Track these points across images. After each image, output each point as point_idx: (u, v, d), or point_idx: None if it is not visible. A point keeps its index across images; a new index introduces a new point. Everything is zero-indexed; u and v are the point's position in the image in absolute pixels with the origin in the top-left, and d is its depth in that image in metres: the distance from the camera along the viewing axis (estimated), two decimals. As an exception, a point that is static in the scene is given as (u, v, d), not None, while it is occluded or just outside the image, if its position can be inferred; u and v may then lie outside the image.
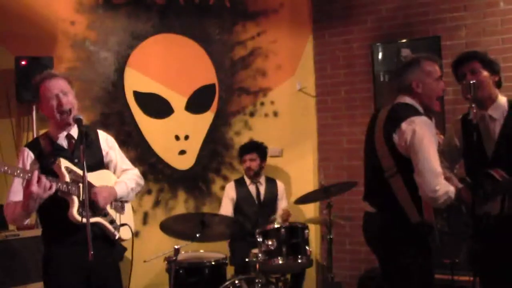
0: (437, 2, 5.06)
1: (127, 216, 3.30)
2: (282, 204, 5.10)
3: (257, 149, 5.08)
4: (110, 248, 3.16)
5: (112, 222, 3.14)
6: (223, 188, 5.35)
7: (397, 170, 3.04)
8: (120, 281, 3.26)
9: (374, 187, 3.27)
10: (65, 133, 3.10)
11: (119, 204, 3.24)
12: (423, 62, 3.20)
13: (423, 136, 2.97)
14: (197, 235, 3.76)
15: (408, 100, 3.17)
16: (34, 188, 2.74)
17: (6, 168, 2.75)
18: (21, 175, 2.80)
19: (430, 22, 5.09)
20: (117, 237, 3.14)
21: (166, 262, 3.93)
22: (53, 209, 2.92)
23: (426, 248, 3.11)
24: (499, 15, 4.82)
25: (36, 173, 2.78)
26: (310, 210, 5.51)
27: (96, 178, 3.09)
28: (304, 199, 4.62)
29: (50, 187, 2.81)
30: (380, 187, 3.14)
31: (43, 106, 3.08)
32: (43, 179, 2.78)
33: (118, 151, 3.37)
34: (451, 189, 2.97)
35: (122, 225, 3.17)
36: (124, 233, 3.21)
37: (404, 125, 3.02)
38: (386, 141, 3.09)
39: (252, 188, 5.04)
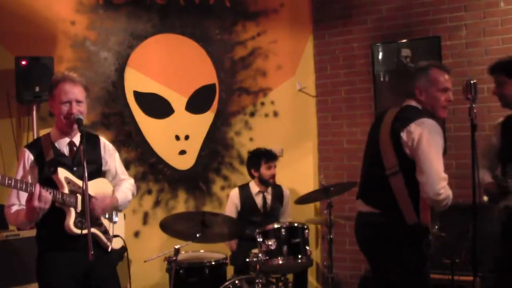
0: (437, 2, 5.06)
1: (120, 225, 3.29)
2: (287, 209, 5.06)
3: (276, 157, 4.99)
4: (105, 254, 3.13)
5: (105, 232, 3.13)
6: (223, 188, 5.35)
7: (399, 169, 3.04)
8: (118, 285, 3.25)
9: (371, 185, 3.26)
10: (67, 139, 3.08)
11: (113, 213, 3.22)
12: (431, 70, 3.21)
13: (431, 139, 2.99)
14: (198, 235, 3.76)
15: (414, 104, 3.19)
16: (36, 203, 2.76)
17: (9, 182, 2.77)
18: (24, 188, 2.80)
19: (430, 22, 5.09)
20: (110, 249, 3.13)
21: (166, 262, 3.94)
22: (50, 217, 2.90)
23: (421, 250, 3.11)
24: (499, 15, 4.83)
25: (37, 188, 2.78)
26: (310, 210, 5.51)
27: (93, 187, 3.06)
28: (305, 199, 4.62)
29: (51, 200, 2.83)
30: (379, 185, 3.14)
31: (53, 105, 3.06)
32: (43, 193, 2.78)
33: (117, 160, 3.35)
34: (451, 195, 3.01)
35: (115, 236, 3.16)
36: (116, 243, 3.19)
37: (413, 126, 3.03)
38: (393, 140, 3.08)
39: (258, 199, 4.93)
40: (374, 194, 3.21)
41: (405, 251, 3.08)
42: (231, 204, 4.96)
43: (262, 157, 4.91)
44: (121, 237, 3.20)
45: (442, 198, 2.93)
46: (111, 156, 3.29)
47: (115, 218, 3.23)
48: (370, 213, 3.19)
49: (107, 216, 3.16)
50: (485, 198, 3.56)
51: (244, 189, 4.98)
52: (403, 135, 3.04)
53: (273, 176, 4.92)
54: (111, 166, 3.29)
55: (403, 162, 3.04)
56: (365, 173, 3.35)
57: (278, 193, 5.04)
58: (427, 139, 2.98)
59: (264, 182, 4.92)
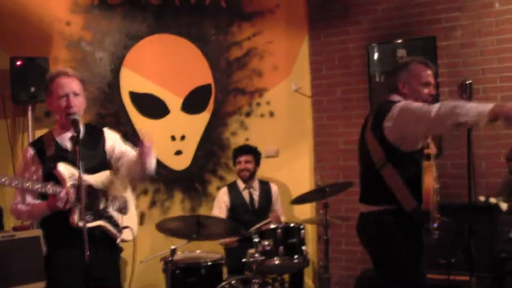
0: (433, 2, 5.07)
1: (132, 217, 3.28)
2: (276, 207, 5.08)
3: (253, 152, 5.04)
4: (112, 250, 3.14)
5: (115, 225, 3.12)
6: (219, 188, 5.33)
7: (387, 160, 3.06)
8: (119, 283, 3.26)
9: (367, 184, 3.28)
10: (69, 134, 3.07)
11: (123, 205, 3.22)
12: (412, 64, 3.23)
13: (408, 102, 3.04)
14: (194, 236, 3.76)
15: (396, 98, 3.20)
16: (60, 204, 2.85)
17: (39, 186, 2.87)
18: (50, 191, 2.87)
19: (425, 22, 5.10)
20: (118, 240, 3.11)
21: (162, 262, 3.93)
22: (54, 213, 2.94)
23: (419, 248, 3.12)
24: (494, 16, 4.84)
25: (64, 191, 2.85)
26: (307, 211, 5.51)
27: (98, 180, 3.09)
28: (301, 200, 4.62)
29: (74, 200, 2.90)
30: (373, 181, 3.16)
31: (52, 101, 3.06)
32: (70, 196, 2.85)
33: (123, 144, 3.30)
34: (450, 103, 2.82)
35: (125, 227, 3.15)
36: (126, 234, 3.18)
37: (391, 113, 3.05)
38: (375, 134, 3.11)
39: (245, 194, 4.97)
40: (370, 192, 3.23)
41: (400, 249, 3.08)
42: (221, 203, 4.98)
43: (236, 152, 5.07)
44: (130, 228, 3.16)
45: (435, 112, 2.79)
46: (116, 141, 3.26)
47: (125, 211, 3.22)
48: (367, 212, 3.20)
49: (116, 207, 3.16)
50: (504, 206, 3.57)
51: (232, 187, 5.04)
52: (385, 124, 3.05)
53: (244, 171, 4.96)
54: (122, 150, 3.24)
55: (389, 153, 3.05)
56: (361, 175, 3.37)
57: (265, 189, 5.07)
58: (404, 105, 3.02)
59: (239, 177, 5.01)
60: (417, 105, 2.99)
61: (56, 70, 3.15)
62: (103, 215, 3.07)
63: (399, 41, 5.20)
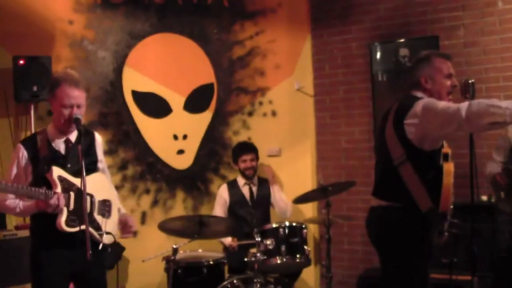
0: (435, 2, 5.06)
1: (114, 220, 3.29)
2: (278, 197, 5.08)
3: (255, 149, 5.07)
4: (97, 252, 3.10)
5: (98, 229, 3.13)
6: (221, 187, 5.35)
7: (407, 158, 3.02)
8: (104, 284, 3.29)
9: (382, 179, 3.25)
10: (64, 137, 3.11)
11: (106, 208, 3.23)
12: (433, 58, 3.19)
13: (431, 101, 2.99)
14: (195, 236, 3.76)
15: (419, 94, 3.16)
16: (50, 209, 2.89)
17: (24, 191, 2.87)
18: (41, 196, 2.88)
19: (428, 21, 5.09)
20: (100, 246, 3.10)
21: (164, 261, 3.93)
22: (44, 215, 2.96)
23: (423, 248, 3.11)
24: (497, 15, 4.83)
25: (55, 197, 2.88)
26: (309, 210, 5.51)
27: (89, 182, 3.06)
28: (303, 199, 4.62)
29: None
30: (389, 177, 3.13)
31: (54, 104, 3.08)
32: (60, 201, 2.89)
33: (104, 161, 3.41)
34: (474, 101, 2.82)
35: (107, 233, 3.16)
36: (108, 238, 3.19)
37: (413, 109, 3.01)
38: (396, 130, 3.07)
39: (245, 190, 5.00)
40: (384, 187, 3.20)
41: (407, 247, 3.06)
42: (220, 200, 5.01)
43: (237, 151, 5.07)
44: (112, 235, 3.17)
45: (465, 111, 2.76)
46: (101, 150, 3.36)
47: (108, 214, 3.23)
48: (376, 206, 3.19)
49: (100, 211, 3.17)
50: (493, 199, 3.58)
51: (232, 183, 5.07)
52: (407, 121, 3.01)
53: (250, 169, 4.98)
54: (102, 160, 3.35)
55: (410, 150, 3.02)
56: (377, 170, 3.34)
57: (264, 185, 5.10)
58: (427, 103, 2.98)
59: (243, 175, 5.02)
60: (442, 105, 2.92)
61: (64, 73, 3.14)
62: (88, 219, 3.06)
63: (402, 40, 5.19)
